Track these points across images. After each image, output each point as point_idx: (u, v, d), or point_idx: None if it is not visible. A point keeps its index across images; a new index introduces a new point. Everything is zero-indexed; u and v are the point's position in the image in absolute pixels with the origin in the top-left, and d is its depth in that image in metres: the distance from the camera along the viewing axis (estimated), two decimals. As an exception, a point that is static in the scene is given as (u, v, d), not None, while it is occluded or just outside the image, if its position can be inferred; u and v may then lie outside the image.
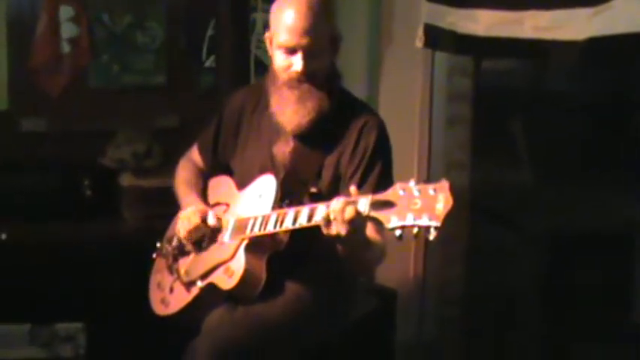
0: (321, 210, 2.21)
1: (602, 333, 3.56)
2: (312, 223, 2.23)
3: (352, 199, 2.13)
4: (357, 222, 2.14)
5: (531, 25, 2.70)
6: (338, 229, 2.15)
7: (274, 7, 2.47)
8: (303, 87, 2.44)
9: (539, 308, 3.78)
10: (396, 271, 3.50)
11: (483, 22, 2.91)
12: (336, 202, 2.15)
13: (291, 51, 2.42)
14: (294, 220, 2.29)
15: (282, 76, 2.47)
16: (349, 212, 2.11)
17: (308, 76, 2.43)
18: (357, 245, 2.29)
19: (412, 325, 3.64)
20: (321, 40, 2.40)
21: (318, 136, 2.50)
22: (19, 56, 3.66)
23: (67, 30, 3.66)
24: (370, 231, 2.36)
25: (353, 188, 2.17)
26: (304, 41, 2.38)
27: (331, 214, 2.15)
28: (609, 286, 3.63)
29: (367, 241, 2.33)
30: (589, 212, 3.75)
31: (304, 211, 2.27)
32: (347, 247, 2.30)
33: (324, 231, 2.18)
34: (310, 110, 2.45)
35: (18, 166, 3.55)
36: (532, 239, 3.80)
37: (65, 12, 3.65)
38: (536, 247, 3.80)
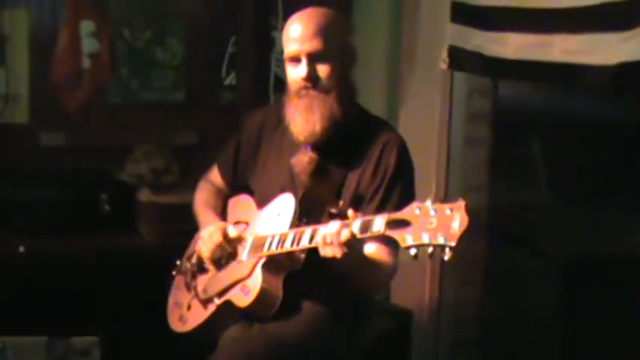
0: (321, 231, 2.23)
1: (620, 356, 3.53)
2: (313, 244, 2.25)
3: (349, 221, 2.17)
4: (352, 245, 2.17)
5: (561, 48, 2.65)
6: (333, 251, 2.17)
7: (284, 28, 2.49)
8: (310, 94, 2.44)
9: (557, 331, 3.75)
10: (411, 292, 3.49)
11: (512, 45, 2.87)
12: (333, 225, 2.18)
13: (297, 60, 2.43)
14: (311, 239, 2.29)
15: (293, 88, 2.48)
16: (344, 235, 2.15)
17: (313, 82, 2.43)
18: (353, 267, 2.31)
19: (427, 346, 3.61)
20: (325, 46, 2.40)
21: (337, 155, 2.50)
22: (39, 70, 3.68)
23: (88, 45, 3.67)
24: (378, 253, 2.39)
25: (351, 212, 2.18)
26: (306, 46, 2.40)
27: (327, 237, 2.18)
28: (628, 309, 3.60)
29: (364, 264, 2.36)
30: (608, 235, 3.73)
31: (308, 231, 2.30)
32: (342, 269, 2.31)
33: (321, 252, 2.21)
34: (320, 117, 2.43)
35: (36, 180, 3.55)
36: (550, 261, 3.78)
37: (86, 27, 3.67)
38: (554, 269, 3.77)
